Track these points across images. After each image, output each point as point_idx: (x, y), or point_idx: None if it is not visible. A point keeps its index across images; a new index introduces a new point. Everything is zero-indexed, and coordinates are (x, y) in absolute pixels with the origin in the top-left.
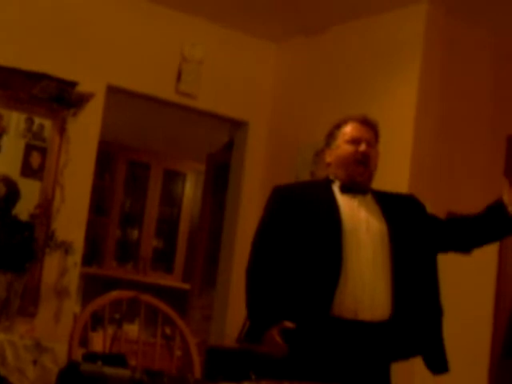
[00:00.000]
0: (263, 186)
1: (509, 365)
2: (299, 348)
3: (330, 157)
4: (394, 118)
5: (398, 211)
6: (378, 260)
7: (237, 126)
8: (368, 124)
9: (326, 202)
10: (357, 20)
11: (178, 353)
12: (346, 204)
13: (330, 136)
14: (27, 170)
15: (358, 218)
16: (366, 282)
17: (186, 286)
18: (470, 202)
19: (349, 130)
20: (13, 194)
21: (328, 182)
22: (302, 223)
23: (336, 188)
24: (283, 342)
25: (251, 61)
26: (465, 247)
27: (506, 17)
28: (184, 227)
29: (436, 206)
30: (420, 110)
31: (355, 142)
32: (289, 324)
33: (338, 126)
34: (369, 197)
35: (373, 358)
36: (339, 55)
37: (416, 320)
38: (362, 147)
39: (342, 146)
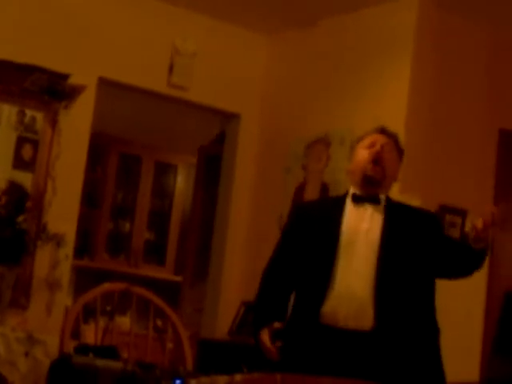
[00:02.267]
0: (255, 179)
1: (499, 360)
2: (289, 353)
3: (350, 166)
4: (385, 110)
5: (405, 225)
6: (371, 271)
7: (228, 118)
8: (385, 133)
9: (332, 216)
10: (348, 13)
11: (169, 345)
12: (353, 215)
13: (352, 148)
14: (19, 163)
15: (359, 229)
16: (354, 292)
17: (178, 279)
18: (462, 195)
19: (367, 139)
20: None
21: (344, 196)
22: (307, 238)
23: (349, 199)
24: (272, 345)
25: (243, 53)
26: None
27: (498, 9)
28: (176, 220)
29: (428, 198)
30: (412, 102)
31: (371, 146)
32: (277, 324)
33: (360, 139)
34: (381, 207)
35: (356, 366)
36: (331, 48)
37: (400, 334)
38: (375, 148)
39: (359, 153)
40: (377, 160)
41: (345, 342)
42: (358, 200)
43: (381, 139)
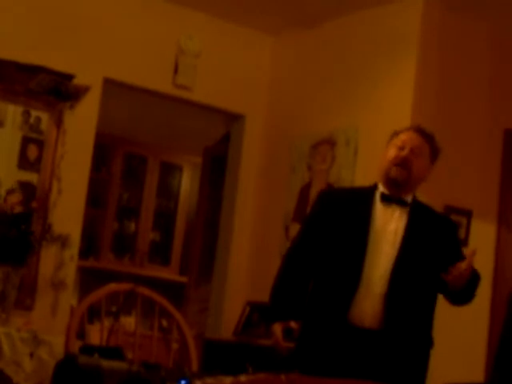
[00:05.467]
0: (260, 179)
1: (505, 362)
2: (313, 351)
3: (380, 160)
4: (390, 110)
5: (427, 229)
6: (388, 272)
7: (233, 118)
8: (422, 133)
9: (361, 211)
10: (353, 13)
11: (174, 345)
12: (382, 214)
13: (388, 142)
14: (24, 163)
15: (387, 229)
16: (377, 293)
17: (183, 279)
18: (467, 195)
19: (402, 137)
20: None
21: (372, 190)
22: (335, 228)
23: (377, 196)
24: (283, 340)
25: (248, 53)
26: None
27: (503, 9)
28: (181, 220)
29: (433, 199)
30: (417, 102)
31: (401, 147)
32: (293, 324)
33: (396, 134)
34: (407, 208)
35: (366, 364)
36: (336, 48)
37: (403, 336)
38: (404, 152)
39: (389, 150)
40: (402, 164)
41: (359, 340)
42: (386, 200)
43: (414, 140)
